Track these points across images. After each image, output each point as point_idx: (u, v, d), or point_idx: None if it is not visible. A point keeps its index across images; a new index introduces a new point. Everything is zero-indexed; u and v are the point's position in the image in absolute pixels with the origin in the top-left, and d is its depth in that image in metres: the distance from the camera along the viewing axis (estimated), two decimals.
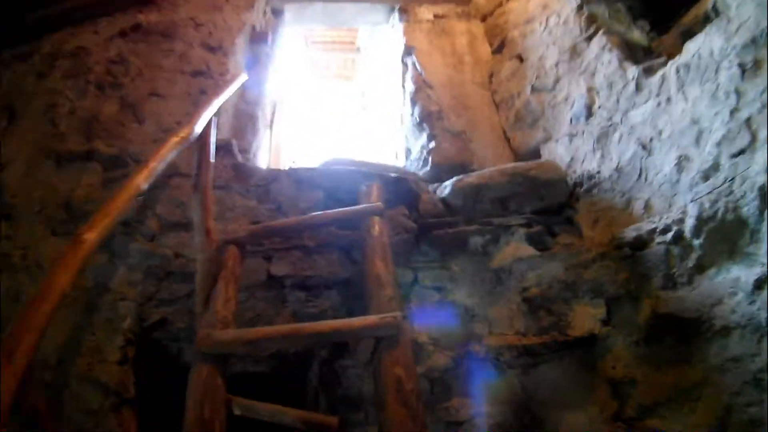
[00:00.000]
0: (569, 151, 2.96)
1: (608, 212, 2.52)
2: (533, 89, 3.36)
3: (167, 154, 1.82)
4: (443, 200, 2.55)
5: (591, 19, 2.94)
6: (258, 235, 2.19)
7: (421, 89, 3.73)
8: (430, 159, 3.36)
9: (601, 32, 2.84)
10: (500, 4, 4.11)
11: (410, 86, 3.85)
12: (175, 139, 1.90)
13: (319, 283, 2.37)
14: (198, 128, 2.09)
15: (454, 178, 2.56)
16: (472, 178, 2.53)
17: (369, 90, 5.65)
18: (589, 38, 2.92)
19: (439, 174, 3.31)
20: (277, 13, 4.39)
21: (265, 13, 4.21)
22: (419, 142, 3.61)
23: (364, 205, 2.18)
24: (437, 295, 2.39)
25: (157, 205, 2.60)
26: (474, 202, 2.53)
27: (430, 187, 2.68)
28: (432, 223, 2.44)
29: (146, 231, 2.55)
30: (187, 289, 2.31)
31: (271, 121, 4.12)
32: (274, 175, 2.59)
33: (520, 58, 3.57)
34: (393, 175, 2.51)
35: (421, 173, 3.42)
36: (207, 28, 3.52)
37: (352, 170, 2.49)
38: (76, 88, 3.27)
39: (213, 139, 2.32)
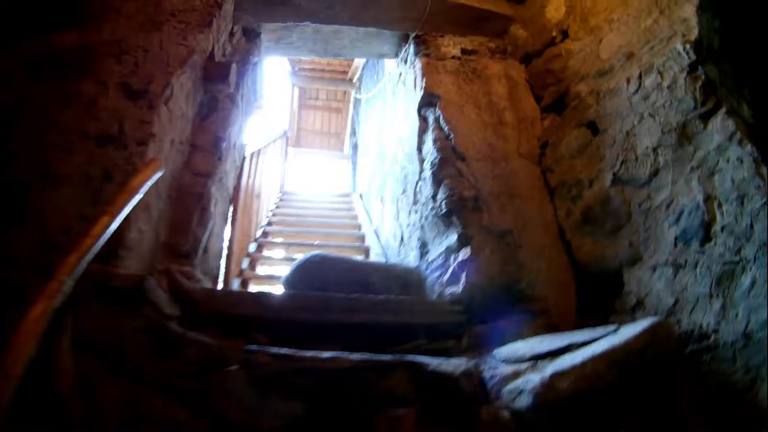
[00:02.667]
0: (672, 288, 1.99)
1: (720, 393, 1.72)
2: (616, 179, 2.31)
3: None
4: (517, 416, 1.42)
5: (708, 89, 1.96)
6: None
7: (449, 161, 2.63)
8: (463, 277, 2.26)
9: (723, 111, 1.90)
10: (551, 42, 3.03)
11: (432, 152, 2.74)
12: None
13: None
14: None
15: (539, 382, 1.43)
16: (568, 380, 1.42)
17: (361, 129, 4.55)
18: (706, 116, 1.96)
19: (471, 300, 2.22)
20: (250, 34, 3.23)
21: (232, 34, 3.03)
22: (444, 241, 2.51)
23: None
24: None
25: None
26: (567, 419, 1.44)
27: (489, 378, 1.54)
28: None
29: None
30: None
31: (236, 188, 2.97)
32: (218, 356, 1.44)
33: (594, 128, 2.50)
34: (430, 367, 1.40)
35: (447, 293, 2.33)
36: (134, 57, 2.29)
37: (357, 362, 1.38)
38: None
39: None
